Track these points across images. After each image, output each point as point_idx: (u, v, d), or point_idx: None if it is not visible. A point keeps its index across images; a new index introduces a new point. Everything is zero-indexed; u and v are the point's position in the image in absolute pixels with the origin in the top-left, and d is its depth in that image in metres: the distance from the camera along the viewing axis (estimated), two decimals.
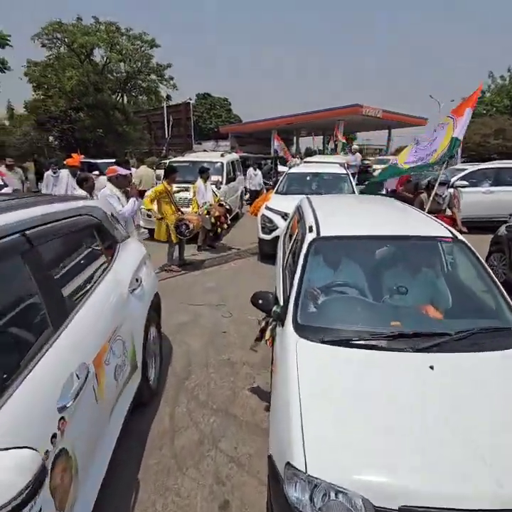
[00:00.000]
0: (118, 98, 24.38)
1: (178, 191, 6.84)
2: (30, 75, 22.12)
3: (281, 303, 2.36)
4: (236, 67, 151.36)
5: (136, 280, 2.45)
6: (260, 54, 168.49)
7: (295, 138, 39.91)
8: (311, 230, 2.54)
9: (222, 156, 9.77)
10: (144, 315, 2.49)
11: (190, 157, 10.23)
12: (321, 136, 34.83)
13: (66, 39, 20.59)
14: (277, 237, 6.02)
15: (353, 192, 6.84)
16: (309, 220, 2.76)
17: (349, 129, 34.85)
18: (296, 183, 7.60)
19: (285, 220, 6.05)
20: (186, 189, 7.33)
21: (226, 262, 6.61)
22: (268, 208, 6.40)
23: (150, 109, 27.98)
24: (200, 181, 6.95)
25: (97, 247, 2.22)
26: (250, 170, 10.86)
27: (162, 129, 25.15)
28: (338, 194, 6.73)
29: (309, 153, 24.08)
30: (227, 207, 7.02)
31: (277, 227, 6.05)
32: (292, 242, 3.08)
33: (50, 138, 22.68)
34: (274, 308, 2.21)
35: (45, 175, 7.91)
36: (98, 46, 21.25)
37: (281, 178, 7.87)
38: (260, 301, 2.27)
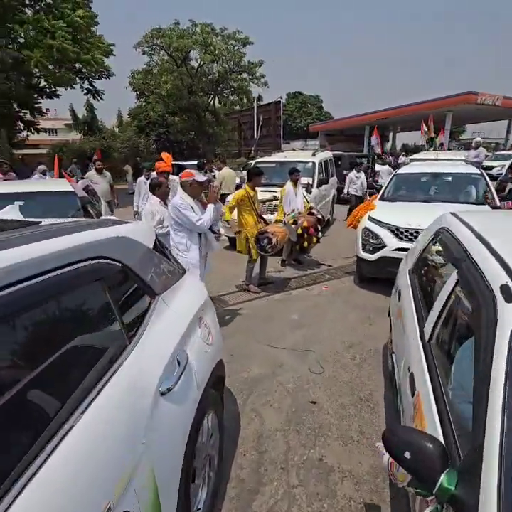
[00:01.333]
0: (210, 100, 24.77)
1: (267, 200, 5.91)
2: (134, 84, 23.67)
3: (443, 444, 1.13)
4: (328, 64, 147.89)
5: (178, 363, 1.45)
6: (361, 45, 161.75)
7: (391, 134, 36.68)
8: (510, 297, 1.25)
9: (313, 155, 8.58)
10: (187, 430, 1.44)
11: (277, 157, 9.25)
12: (419, 131, 31.20)
13: (163, 44, 21.43)
14: (383, 259, 4.69)
15: (494, 201, 5.07)
16: (493, 271, 1.42)
17: (457, 122, 30.53)
18: (406, 186, 6.08)
19: (397, 236, 4.65)
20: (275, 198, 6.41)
21: (315, 283, 5.45)
22: (372, 220, 5.04)
23: (241, 110, 28.00)
24: (289, 184, 5.91)
25: (108, 317, 1.27)
26: (352, 173, 9.54)
27: (251, 129, 24.85)
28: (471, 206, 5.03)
29: (416, 149, 21.45)
30: (319, 216, 5.83)
31: (384, 246, 4.68)
32: (448, 303, 1.74)
33: (150, 141, 24.06)
34: (444, 481, 1.00)
35: (138, 180, 7.57)
36: (193, 49, 21.69)
37: (387, 181, 6.40)
38: (408, 455, 1.07)
